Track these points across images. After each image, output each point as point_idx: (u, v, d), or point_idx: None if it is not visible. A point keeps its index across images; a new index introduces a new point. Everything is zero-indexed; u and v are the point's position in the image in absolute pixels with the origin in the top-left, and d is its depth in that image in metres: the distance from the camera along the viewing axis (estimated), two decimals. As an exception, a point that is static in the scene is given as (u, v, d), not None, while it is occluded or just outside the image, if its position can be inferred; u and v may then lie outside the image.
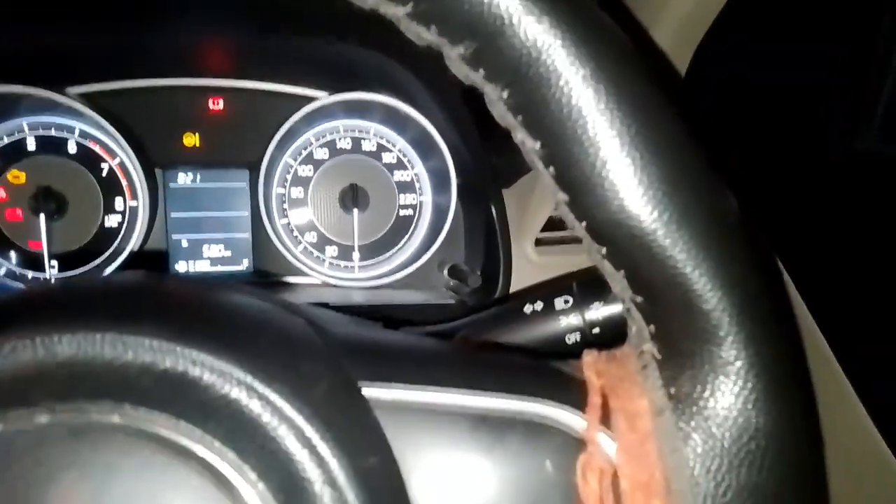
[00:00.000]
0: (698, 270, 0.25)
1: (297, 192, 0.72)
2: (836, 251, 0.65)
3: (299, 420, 0.24)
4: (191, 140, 0.69)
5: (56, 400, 0.22)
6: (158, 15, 0.57)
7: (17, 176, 0.65)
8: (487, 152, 0.68)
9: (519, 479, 0.27)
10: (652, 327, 0.27)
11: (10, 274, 0.65)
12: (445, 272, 0.69)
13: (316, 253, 0.73)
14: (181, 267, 0.70)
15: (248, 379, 0.24)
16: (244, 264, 0.71)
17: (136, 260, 0.67)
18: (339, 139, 0.72)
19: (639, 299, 0.27)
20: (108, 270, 0.66)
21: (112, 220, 0.67)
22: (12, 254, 0.65)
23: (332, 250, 0.73)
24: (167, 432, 0.23)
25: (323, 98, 0.69)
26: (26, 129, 0.65)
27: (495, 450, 0.28)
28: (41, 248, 0.65)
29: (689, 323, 0.26)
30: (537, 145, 0.25)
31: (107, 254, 0.67)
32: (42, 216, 0.64)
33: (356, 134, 0.73)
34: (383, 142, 0.73)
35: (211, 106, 0.69)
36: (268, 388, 0.24)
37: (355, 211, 0.71)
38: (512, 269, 0.66)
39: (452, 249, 0.72)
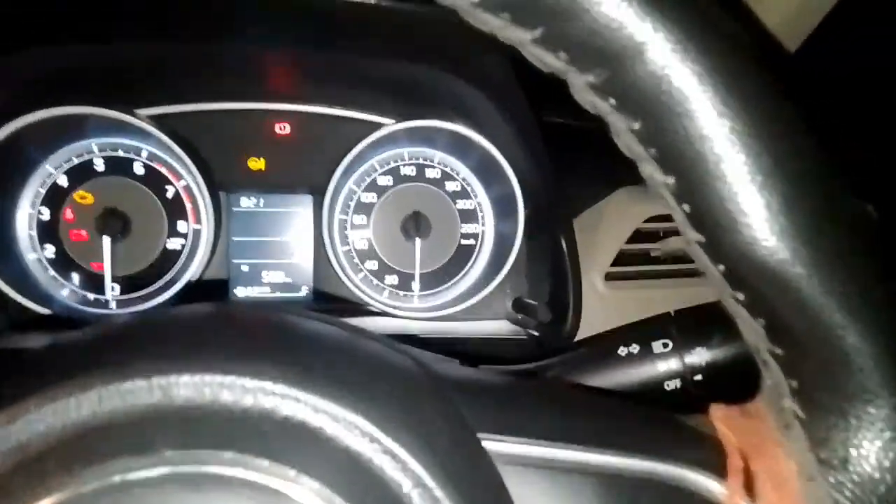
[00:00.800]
0: (856, 324, 0.22)
1: (359, 218, 0.70)
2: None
3: (426, 477, 0.22)
4: (256, 164, 0.68)
5: (173, 447, 0.20)
6: (227, 33, 0.57)
7: (84, 196, 0.65)
8: (557, 180, 0.66)
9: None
10: (794, 382, 0.25)
11: (71, 295, 0.65)
12: (509, 304, 0.67)
13: (376, 281, 0.71)
14: (241, 292, 0.69)
15: (373, 430, 0.22)
16: (303, 291, 0.70)
17: (197, 284, 0.66)
18: (403, 166, 0.71)
19: (779, 351, 0.24)
20: (169, 294, 0.65)
21: (175, 243, 0.67)
22: (74, 275, 0.65)
23: (392, 279, 0.71)
24: (287, 485, 0.21)
25: (389, 125, 0.67)
26: (95, 150, 0.65)
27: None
28: (103, 270, 0.64)
29: (842, 380, 0.23)
30: (671, 180, 0.23)
31: (168, 277, 0.66)
32: (107, 237, 0.63)
33: (420, 161, 0.71)
34: (447, 170, 0.72)
35: (277, 130, 0.68)
36: (394, 441, 0.22)
37: (417, 239, 0.70)
38: (582, 304, 0.63)
39: (517, 281, 0.70)
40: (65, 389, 0.20)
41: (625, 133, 0.24)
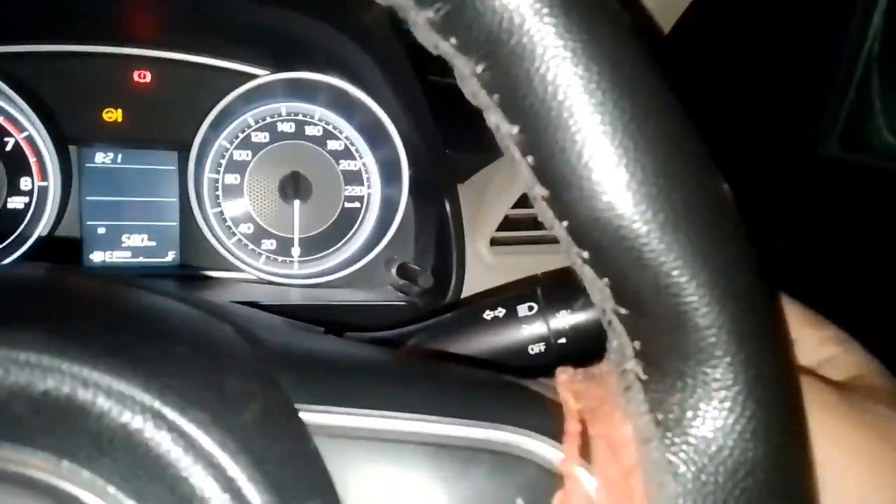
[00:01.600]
0: (696, 280, 0.22)
1: (232, 178, 0.65)
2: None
3: (221, 457, 0.19)
4: (112, 115, 0.62)
5: None
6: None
7: None
8: (443, 144, 0.63)
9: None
10: (637, 343, 0.24)
11: None
12: (393, 271, 0.65)
13: (251, 246, 0.66)
14: (97, 257, 0.63)
15: (156, 404, 0.19)
16: (170, 256, 0.65)
17: (44, 248, 0.59)
18: (281, 122, 0.66)
19: (623, 311, 0.23)
20: (9, 259, 0.58)
21: (17, 202, 0.59)
22: None
23: (269, 244, 0.67)
24: (45, 476, 0.18)
25: (264, 76, 0.63)
26: (-86, 93, 0.56)
27: (458, 485, 0.23)
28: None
29: (682, 340, 0.23)
30: (514, 130, 0.21)
31: (9, 240, 0.59)
32: (-69, 194, 0.56)
33: (300, 117, 0.67)
34: (329, 128, 0.68)
35: (137, 79, 0.62)
36: (180, 416, 0.19)
37: (296, 201, 0.66)
38: (465, 270, 0.62)
39: (401, 247, 0.67)
40: None
41: (468, 78, 0.21)
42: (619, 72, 0.20)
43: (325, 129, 0.68)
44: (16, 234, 0.59)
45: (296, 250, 0.67)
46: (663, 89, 0.21)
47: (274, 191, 0.66)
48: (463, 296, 0.61)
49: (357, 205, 0.69)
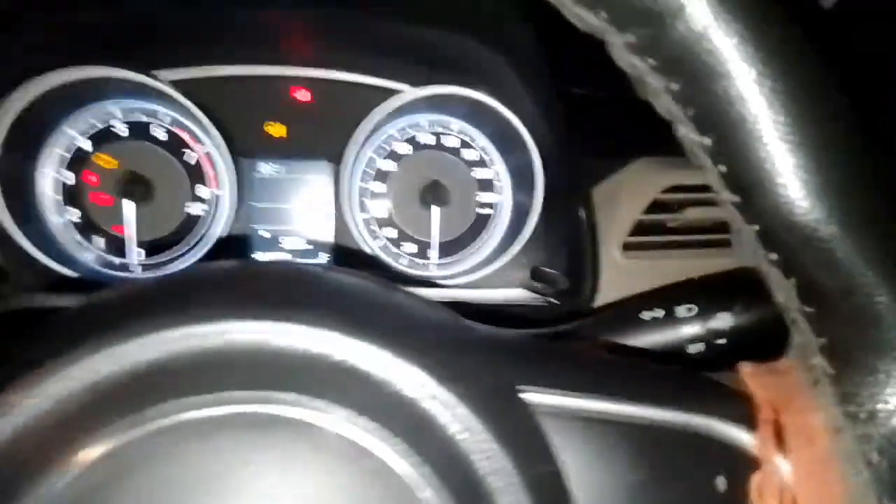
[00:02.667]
0: (887, 281, 0.23)
1: (377, 186, 0.71)
2: None
3: (473, 421, 0.23)
4: (276, 130, 0.68)
5: (238, 389, 0.21)
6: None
7: (107, 161, 0.65)
8: (576, 151, 0.66)
9: (688, 492, 0.26)
10: (823, 340, 0.25)
11: (96, 259, 0.66)
12: (528, 273, 0.68)
13: (394, 249, 0.72)
14: (261, 258, 0.70)
15: (422, 376, 0.23)
16: (323, 258, 0.71)
17: (218, 250, 0.67)
18: (421, 134, 0.71)
19: (809, 310, 0.25)
20: (192, 259, 0.66)
21: (197, 209, 0.67)
22: (99, 238, 0.66)
23: (409, 247, 0.72)
24: (345, 425, 0.22)
25: (407, 92, 0.68)
26: (118, 113, 0.65)
27: (665, 462, 0.26)
28: (126, 234, 0.65)
29: (874, 336, 0.24)
30: (707, 141, 0.23)
31: (190, 242, 0.67)
32: (129, 201, 0.64)
33: (439, 129, 0.72)
34: (466, 138, 0.72)
35: (297, 97, 0.68)
36: (439, 386, 0.23)
37: (435, 207, 0.70)
38: (599, 273, 0.64)
39: (534, 250, 0.70)
40: (129, 333, 0.21)
41: (663, 94, 0.24)
42: (809, 85, 0.22)
43: (461, 139, 0.72)
44: (200, 237, 0.67)
45: (434, 253, 0.72)
46: (851, 96, 0.23)
47: (415, 198, 0.71)
48: (598, 300, 0.63)
49: (489, 211, 0.73)
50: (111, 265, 0.66)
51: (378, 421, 0.22)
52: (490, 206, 0.73)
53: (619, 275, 0.66)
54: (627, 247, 0.67)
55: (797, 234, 0.23)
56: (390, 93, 0.68)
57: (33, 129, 0.62)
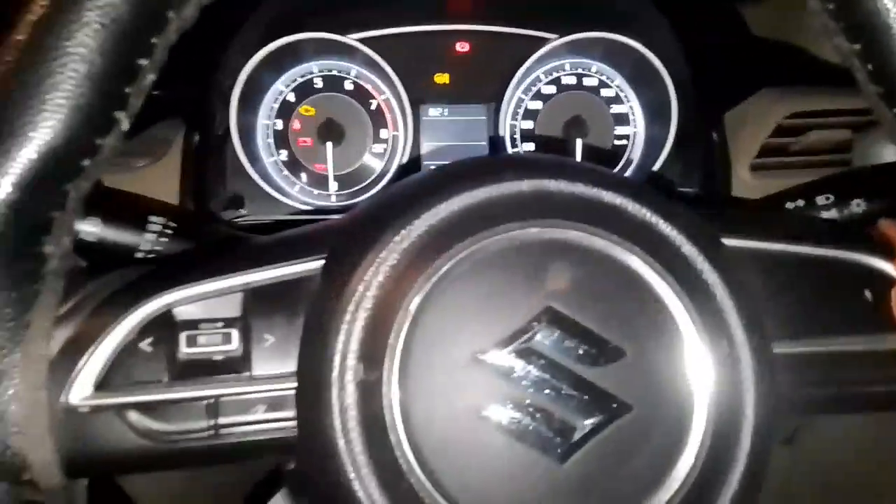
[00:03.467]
0: None
1: (526, 124, 0.82)
2: None
3: (703, 263, 0.34)
4: (441, 79, 0.81)
5: (546, 222, 0.33)
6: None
7: (308, 110, 0.80)
8: (709, 83, 0.74)
9: (847, 300, 0.36)
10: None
11: (301, 191, 0.81)
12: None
13: (541, 178, 0.83)
14: (429, 188, 0.83)
15: (673, 233, 0.34)
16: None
17: (396, 181, 0.80)
18: (565, 76, 0.82)
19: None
20: (376, 190, 0.80)
21: (378, 148, 0.81)
22: (303, 175, 0.81)
23: (554, 176, 0.83)
24: (608, 246, 0.34)
25: (554, 40, 0.78)
26: (315, 70, 0.79)
27: (830, 284, 0.36)
28: (326, 171, 0.80)
29: None
30: (857, 47, 0.33)
31: (374, 176, 0.81)
32: (328, 143, 0.79)
33: (580, 71, 0.82)
34: (603, 77, 0.82)
35: (458, 49, 0.80)
36: (671, 227, 0.34)
37: (578, 140, 0.81)
38: (731, 192, 0.73)
39: (668, 177, 0.80)
40: (475, 182, 0.34)
41: (820, 12, 0.34)
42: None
43: (599, 79, 0.82)
44: (379, 172, 0.81)
45: (576, 181, 0.82)
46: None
47: (559, 132, 0.82)
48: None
49: (625, 142, 0.83)
50: (312, 197, 0.81)
51: (640, 245, 0.33)
52: (626, 137, 0.83)
53: (748, 193, 0.75)
54: (755, 168, 0.75)
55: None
56: (539, 41, 0.78)
57: (256, 87, 0.77)
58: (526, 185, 0.34)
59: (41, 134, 0.29)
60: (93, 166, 0.32)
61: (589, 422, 0.31)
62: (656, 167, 0.78)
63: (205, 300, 0.34)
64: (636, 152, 0.83)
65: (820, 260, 0.37)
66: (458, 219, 0.33)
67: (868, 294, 0.36)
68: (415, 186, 0.37)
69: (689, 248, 0.34)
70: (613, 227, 0.34)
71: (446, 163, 0.39)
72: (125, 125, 0.33)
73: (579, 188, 0.34)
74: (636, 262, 0.33)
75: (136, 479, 0.67)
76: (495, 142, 0.80)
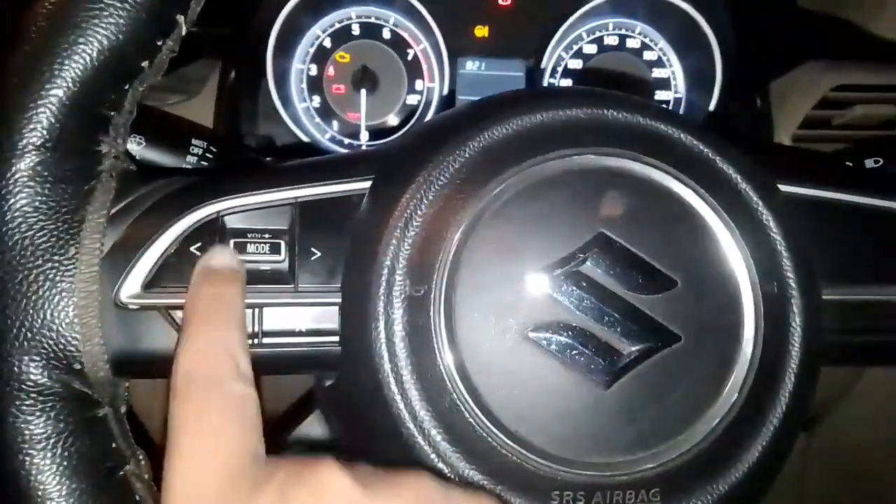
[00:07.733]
0: None
1: (565, 83, 0.81)
2: None
3: (752, 186, 0.34)
4: (481, 32, 0.79)
5: (593, 150, 0.33)
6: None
7: (343, 56, 0.79)
8: (755, 50, 0.73)
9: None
10: None
11: (332, 139, 0.80)
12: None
13: (575, 139, 0.82)
14: (462, 143, 0.82)
15: (718, 152, 0.34)
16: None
17: (430, 133, 0.79)
18: (607, 36, 0.80)
19: None
20: (409, 140, 0.79)
21: (413, 99, 0.80)
22: (335, 122, 0.80)
23: (589, 137, 0.82)
24: (665, 178, 0.33)
25: (597, -3, 0.77)
26: (353, 16, 0.78)
27: (876, 231, 0.36)
28: (359, 119, 0.79)
29: None
30: None
31: (406, 129, 0.80)
32: (363, 91, 0.78)
33: (623, 31, 0.80)
34: (647, 40, 0.80)
35: (501, 2, 0.79)
36: (727, 164, 0.34)
37: (615, 103, 0.80)
38: (771, 159, 0.72)
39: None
40: (532, 108, 0.33)
41: None
42: None
43: (642, 41, 0.80)
44: (413, 123, 0.80)
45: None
46: None
47: (597, 93, 0.81)
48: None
49: (664, 107, 0.81)
50: (342, 145, 0.81)
51: (696, 180, 0.33)
52: (665, 103, 0.81)
53: (788, 163, 0.73)
54: (797, 139, 0.74)
55: None
56: (581, -2, 0.77)
57: (293, 30, 0.76)
58: (584, 113, 0.33)
59: (107, 30, 0.29)
60: (150, 69, 0.32)
61: (636, 349, 0.31)
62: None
63: (255, 210, 0.34)
64: (674, 118, 0.81)
65: (872, 210, 0.36)
66: (514, 142, 0.33)
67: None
68: (471, 110, 0.36)
69: (745, 187, 0.33)
70: (671, 160, 0.33)
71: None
72: (184, 29, 0.33)
73: (637, 119, 0.33)
74: (691, 196, 0.33)
75: (159, 408, 0.68)
76: (531, 99, 0.79)
